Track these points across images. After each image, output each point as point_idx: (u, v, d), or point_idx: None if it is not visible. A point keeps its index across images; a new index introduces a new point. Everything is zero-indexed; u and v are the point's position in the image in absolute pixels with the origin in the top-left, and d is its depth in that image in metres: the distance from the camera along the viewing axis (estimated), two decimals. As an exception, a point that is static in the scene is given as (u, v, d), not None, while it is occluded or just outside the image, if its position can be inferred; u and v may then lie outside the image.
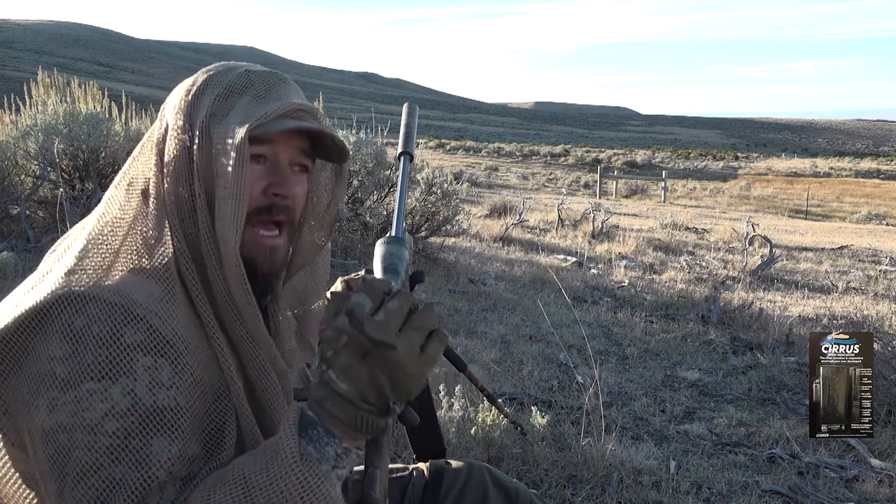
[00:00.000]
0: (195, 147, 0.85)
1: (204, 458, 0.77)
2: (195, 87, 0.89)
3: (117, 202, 0.86)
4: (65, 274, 0.79)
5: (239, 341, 0.84)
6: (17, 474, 0.80)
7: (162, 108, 0.91)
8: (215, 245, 0.83)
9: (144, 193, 0.86)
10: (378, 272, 1.03)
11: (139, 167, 0.88)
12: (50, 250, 0.89)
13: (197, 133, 0.85)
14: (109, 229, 0.83)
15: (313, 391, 0.73)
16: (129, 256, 0.82)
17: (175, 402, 0.74)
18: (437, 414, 1.64)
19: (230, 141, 0.83)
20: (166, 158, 0.86)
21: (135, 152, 0.90)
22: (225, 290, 0.83)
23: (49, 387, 0.71)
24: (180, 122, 0.86)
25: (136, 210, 0.85)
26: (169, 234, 0.83)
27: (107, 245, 0.82)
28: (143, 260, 0.82)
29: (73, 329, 0.73)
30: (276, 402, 0.87)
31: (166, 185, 0.85)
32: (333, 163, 0.99)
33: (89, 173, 5.34)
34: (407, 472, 1.21)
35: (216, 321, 0.83)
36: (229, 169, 0.82)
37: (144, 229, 0.83)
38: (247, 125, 0.83)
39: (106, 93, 6.46)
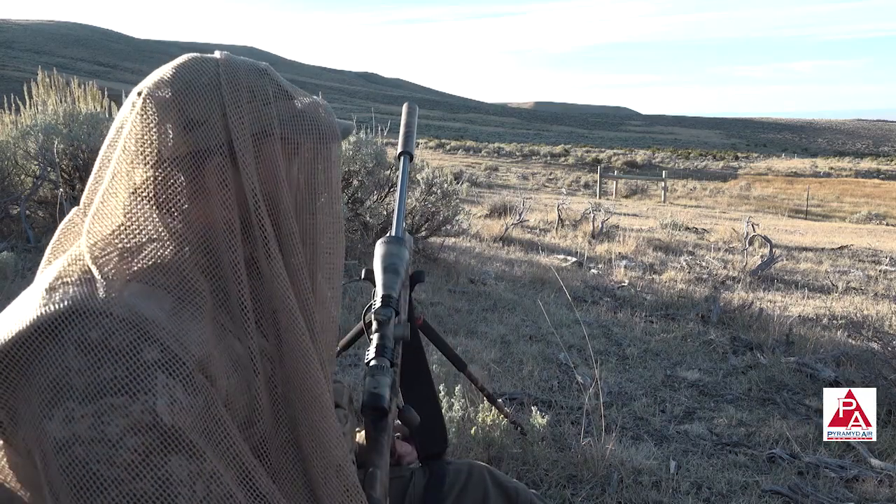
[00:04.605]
0: (243, 167, 0.77)
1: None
2: (225, 95, 0.78)
3: (121, 208, 0.79)
4: (75, 284, 0.75)
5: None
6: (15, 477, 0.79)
7: (176, 112, 0.77)
8: (282, 285, 0.78)
9: (157, 205, 0.78)
10: (378, 272, 1.03)
11: (144, 175, 0.78)
12: (46, 258, 0.84)
13: (246, 150, 0.77)
14: (118, 238, 0.78)
15: None
16: (141, 267, 0.76)
17: (192, 422, 0.72)
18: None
19: (313, 156, 0.80)
20: (207, 183, 0.77)
21: (130, 156, 0.80)
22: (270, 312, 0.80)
23: (66, 398, 0.69)
24: (221, 138, 0.77)
25: (145, 220, 0.78)
26: (188, 253, 0.77)
27: (117, 254, 0.77)
28: (157, 272, 0.76)
29: (89, 341, 0.70)
30: None
31: (197, 210, 0.78)
32: None
33: (89, 173, 5.34)
34: (407, 472, 1.21)
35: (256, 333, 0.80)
36: (323, 199, 0.81)
37: (159, 244, 0.77)
38: (336, 139, 0.81)
39: (106, 93, 6.46)
